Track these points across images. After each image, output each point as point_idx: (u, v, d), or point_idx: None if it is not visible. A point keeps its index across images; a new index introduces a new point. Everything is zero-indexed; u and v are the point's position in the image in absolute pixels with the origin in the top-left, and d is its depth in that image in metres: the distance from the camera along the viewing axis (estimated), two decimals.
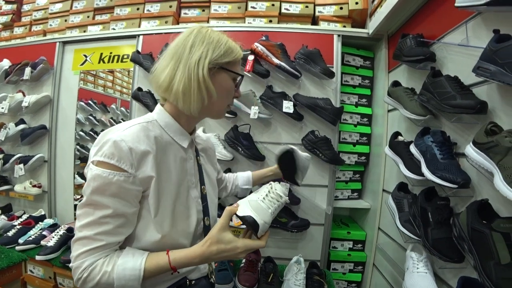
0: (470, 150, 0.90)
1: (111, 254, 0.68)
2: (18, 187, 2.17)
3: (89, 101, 2.30)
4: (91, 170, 0.66)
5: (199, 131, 1.08)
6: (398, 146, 1.34)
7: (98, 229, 0.65)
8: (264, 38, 1.68)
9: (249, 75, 1.71)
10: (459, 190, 0.97)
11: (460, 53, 1.10)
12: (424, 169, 1.06)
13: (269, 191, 0.82)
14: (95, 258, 0.65)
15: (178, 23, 2.06)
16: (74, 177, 2.16)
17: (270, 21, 1.93)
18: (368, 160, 1.91)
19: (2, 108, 2.16)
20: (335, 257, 1.84)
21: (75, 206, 2.12)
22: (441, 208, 1.03)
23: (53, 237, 1.72)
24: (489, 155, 0.83)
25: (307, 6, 1.93)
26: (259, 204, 0.77)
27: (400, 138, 1.40)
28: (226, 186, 1.17)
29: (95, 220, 0.65)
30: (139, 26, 2.09)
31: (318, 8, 1.93)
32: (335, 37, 1.77)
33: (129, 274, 0.65)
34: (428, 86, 1.11)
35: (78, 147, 2.20)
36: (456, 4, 0.97)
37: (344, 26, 1.87)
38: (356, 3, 1.84)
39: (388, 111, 1.67)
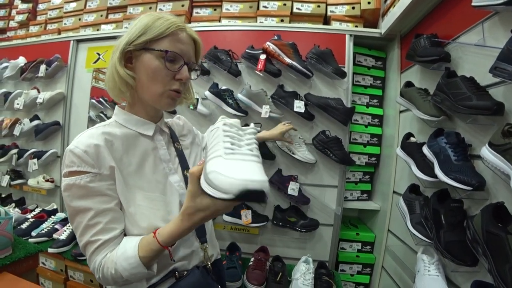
0: (486, 152, 0.88)
1: (113, 250, 0.69)
2: (31, 181, 2.21)
3: (100, 99, 2.33)
4: (62, 183, 0.70)
5: (180, 121, 1.02)
6: (410, 147, 1.32)
7: (92, 231, 0.68)
8: (276, 37, 1.68)
9: (261, 74, 1.71)
10: (473, 192, 0.95)
11: (475, 54, 1.08)
12: (438, 170, 1.05)
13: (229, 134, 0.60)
14: (101, 256, 0.69)
15: (190, 22, 2.07)
16: None
17: (282, 20, 1.93)
18: (379, 161, 1.90)
19: (18, 104, 2.21)
20: (343, 258, 1.83)
21: None
22: (454, 210, 1.02)
23: (65, 231, 1.76)
24: (505, 157, 0.81)
25: (319, 6, 1.92)
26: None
27: (412, 139, 1.39)
28: None
29: (86, 224, 0.68)
30: None
31: (330, 8, 1.92)
32: (347, 37, 1.76)
33: (130, 263, 0.66)
34: (443, 86, 1.10)
35: None
36: (473, 4, 0.96)
37: (356, 26, 1.86)
38: (369, 2, 1.82)
39: (400, 111, 1.66)
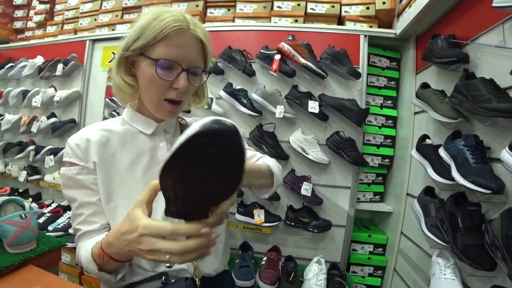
0: (506, 155, 0.87)
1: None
2: (48, 177, 2.27)
3: (113, 97, 2.37)
4: None
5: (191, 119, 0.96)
6: (426, 149, 1.31)
7: (77, 220, 0.73)
8: (290, 37, 1.68)
9: (275, 74, 1.72)
10: (491, 196, 0.94)
11: (495, 55, 1.07)
12: (455, 173, 1.04)
13: None
14: (80, 244, 0.72)
15: (204, 22, 2.09)
16: None
17: (296, 20, 1.93)
18: (392, 163, 1.88)
19: (35, 102, 2.27)
20: (355, 260, 1.82)
21: None
22: (472, 213, 1.01)
23: None
24: None
25: (333, 6, 1.91)
26: None
27: (428, 141, 1.37)
28: None
29: (74, 213, 0.74)
30: None
31: (344, 8, 1.91)
32: (361, 37, 1.75)
33: (85, 256, 0.66)
34: (461, 88, 1.09)
35: None
36: (493, 4, 0.94)
37: (371, 26, 1.85)
38: (383, 3, 1.80)
39: (415, 113, 1.64)
